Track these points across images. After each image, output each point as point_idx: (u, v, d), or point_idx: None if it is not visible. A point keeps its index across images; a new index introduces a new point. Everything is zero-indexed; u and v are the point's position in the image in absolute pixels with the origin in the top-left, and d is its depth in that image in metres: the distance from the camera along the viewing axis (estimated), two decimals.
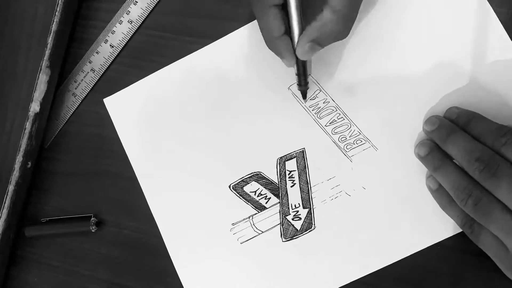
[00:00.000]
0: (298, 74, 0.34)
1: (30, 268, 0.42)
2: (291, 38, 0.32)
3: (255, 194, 0.37)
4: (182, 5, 0.40)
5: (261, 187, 0.37)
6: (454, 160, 0.33)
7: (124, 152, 0.40)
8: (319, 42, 0.31)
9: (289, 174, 0.37)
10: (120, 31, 0.40)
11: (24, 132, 0.38)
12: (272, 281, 0.37)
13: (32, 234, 0.41)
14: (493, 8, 0.35)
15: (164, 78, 0.39)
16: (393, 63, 0.36)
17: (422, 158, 0.34)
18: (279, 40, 0.32)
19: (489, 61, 0.35)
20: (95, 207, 0.40)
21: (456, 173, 0.32)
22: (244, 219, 0.38)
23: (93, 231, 0.40)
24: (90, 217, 0.40)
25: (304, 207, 0.37)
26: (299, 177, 0.37)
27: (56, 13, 0.38)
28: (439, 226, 0.35)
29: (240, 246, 0.37)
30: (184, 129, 0.39)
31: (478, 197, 0.30)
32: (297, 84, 0.35)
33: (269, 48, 0.33)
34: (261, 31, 0.33)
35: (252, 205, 0.38)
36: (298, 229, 0.37)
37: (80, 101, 0.41)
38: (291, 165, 0.37)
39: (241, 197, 0.38)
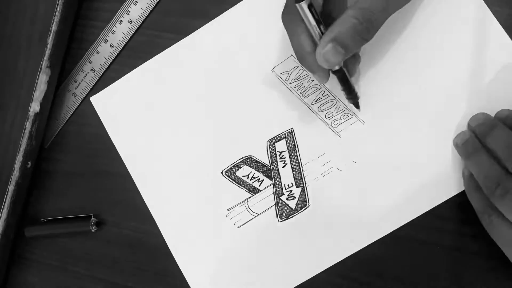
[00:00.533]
0: (343, 90, 0.33)
1: (30, 268, 0.42)
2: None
3: (247, 178, 0.38)
4: (182, 5, 0.40)
5: (253, 170, 0.38)
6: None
7: None
8: (341, 42, 0.29)
9: (279, 155, 0.37)
10: (120, 31, 0.40)
11: (24, 132, 0.38)
12: (272, 262, 0.37)
13: (32, 234, 0.41)
14: (493, 9, 0.35)
15: (148, 72, 0.40)
16: (380, 45, 0.36)
17: (458, 147, 0.34)
18: (311, 55, 0.31)
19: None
20: (95, 207, 0.40)
21: (488, 162, 0.32)
22: (239, 203, 0.38)
23: (93, 231, 0.40)
24: (90, 217, 0.40)
25: (297, 186, 0.37)
26: (290, 157, 0.37)
27: (56, 13, 0.38)
28: (431, 194, 0.35)
29: (238, 230, 0.38)
30: (172, 121, 0.39)
31: (507, 188, 0.30)
32: (346, 98, 0.34)
33: (301, 64, 0.32)
34: (292, 47, 0.32)
35: (246, 189, 0.38)
36: (293, 208, 0.37)
37: (80, 101, 0.41)
38: (281, 146, 0.37)
39: (234, 182, 0.38)
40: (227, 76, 0.38)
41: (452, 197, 0.35)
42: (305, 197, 0.37)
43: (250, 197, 0.38)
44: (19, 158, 0.38)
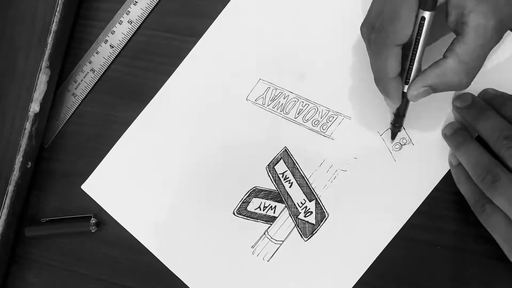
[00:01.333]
0: (396, 115, 0.33)
1: (30, 268, 0.42)
2: (402, 79, 0.31)
3: (260, 209, 0.37)
4: (182, 5, 0.40)
5: (263, 200, 0.37)
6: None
7: None
8: (435, 89, 0.30)
9: (283, 176, 0.37)
10: (120, 31, 0.40)
11: (24, 132, 0.38)
12: (311, 282, 0.36)
13: (32, 234, 0.41)
14: None
15: (129, 141, 0.39)
16: (336, 40, 0.37)
17: (447, 137, 0.34)
18: (392, 81, 0.30)
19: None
20: (95, 207, 0.40)
21: (477, 151, 0.32)
22: (260, 237, 0.37)
23: (93, 231, 0.40)
24: (90, 217, 0.40)
25: (310, 200, 0.37)
26: (293, 175, 0.37)
27: (56, 13, 0.38)
28: (430, 175, 0.35)
29: (268, 264, 0.37)
30: (169, 179, 0.39)
31: (497, 175, 0.30)
32: (392, 124, 0.34)
33: (376, 85, 0.31)
34: (372, 66, 0.31)
35: (262, 220, 0.37)
36: (314, 223, 0.37)
37: (80, 101, 0.41)
38: (281, 167, 0.37)
39: (249, 218, 0.38)
40: (206, 119, 0.38)
41: (452, 197, 0.35)
42: (322, 208, 0.37)
43: (269, 226, 0.37)
44: (19, 158, 0.38)
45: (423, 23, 0.28)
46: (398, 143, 0.36)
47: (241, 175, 0.38)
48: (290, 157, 0.37)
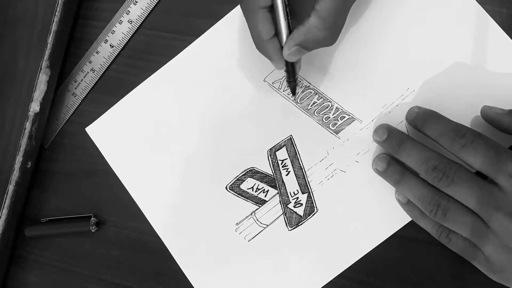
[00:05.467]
0: (286, 71, 0.34)
1: (30, 268, 0.42)
2: (279, 41, 0.32)
3: (252, 190, 0.38)
4: (182, 5, 0.40)
5: (257, 182, 0.38)
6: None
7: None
8: (305, 47, 0.31)
9: (282, 163, 0.37)
10: (120, 31, 0.40)
11: (24, 132, 0.38)
12: (285, 271, 0.37)
13: (32, 234, 0.41)
14: (493, 9, 0.35)
15: (142, 94, 0.39)
16: (369, 44, 0.36)
17: (382, 174, 0.34)
18: (268, 43, 0.31)
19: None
20: (95, 207, 0.40)
21: (419, 186, 0.32)
22: (247, 217, 0.38)
23: (93, 231, 0.40)
24: (90, 217, 0.40)
25: (303, 193, 0.37)
26: (292, 164, 0.37)
27: (56, 13, 0.38)
28: None
29: (248, 244, 0.37)
30: (172, 140, 0.39)
31: (445, 206, 0.30)
32: (286, 81, 0.35)
33: (258, 50, 0.32)
34: (250, 33, 0.32)
35: (252, 201, 0.38)
36: (302, 215, 0.37)
37: (80, 101, 0.41)
38: (282, 154, 0.37)
39: (239, 196, 0.38)
40: (221, 92, 0.38)
41: None
42: (312, 203, 0.37)
43: (257, 209, 0.37)
44: (19, 158, 0.38)
45: None
46: None
47: (242, 153, 0.38)
48: (294, 147, 0.37)
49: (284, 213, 0.37)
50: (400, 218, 0.35)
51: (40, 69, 0.38)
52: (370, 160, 0.36)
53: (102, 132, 0.40)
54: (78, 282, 0.40)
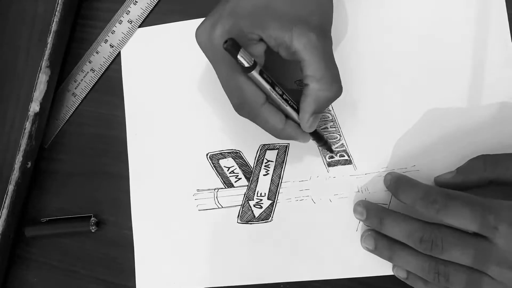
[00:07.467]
0: (315, 139, 0.34)
1: (30, 268, 0.42)
2: (293, 120, 0.32)
3: (228, 170, 0.38)
4: (182, 5, 0.40)
5: (236, 166, 0.38)
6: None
7: (124, 152, 0.40)
8: (319, 111, 0.31)
9: (265, 163, 0.38)
10: (120, 31, 0.40)
11: (24, 132, 0.38)
12: (218, 255, 0.38)
13: (32, 234, 0.41)
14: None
15: (180, 32, 0.40)
16: (397, 83, 0.36)
17: (373, 252, 0.34)
18: (285, 130, 0.32)
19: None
20: (95, 207, 0.40)
21: (412, 257, 0.31)
22: (209, 189, 0.38)
23: (93, 231, 0.40)
24: (90, 217, 0.40)
25: (268, 198, 0.37)
26: (274, 169, 0.38)
27: (56, 13, 0.38)
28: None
29: (197, 213, 0.38)
30: (182, 92, 0.39)
31: (445, 272, 0.30)
32: (318, 147, 0.36)
33: (279, 139, 0.32)
34: (264, 129, 0.32)
35: (222, 179, 0.38)
36: (255, 216, 0.37)
37: (80, 101, 0.41)
38: (271, 155, 0.38)
39: (214, 168, 0.38)
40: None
41: None
42: (271, 212, 0.37)
43: (222, 188, 0.38)
44: (19, 158, 0.38)
45: (258, 79, 0.29)
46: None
47: (237, 135, 0.38)
48: (285, 155, 0.37)
49: (242, 206, 0.38)
50: (337, 270, 0.36)
51: (40, 69, 0.38)
52: (343, 206, 0.36)
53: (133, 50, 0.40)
54: (78, 282, 0.40)
